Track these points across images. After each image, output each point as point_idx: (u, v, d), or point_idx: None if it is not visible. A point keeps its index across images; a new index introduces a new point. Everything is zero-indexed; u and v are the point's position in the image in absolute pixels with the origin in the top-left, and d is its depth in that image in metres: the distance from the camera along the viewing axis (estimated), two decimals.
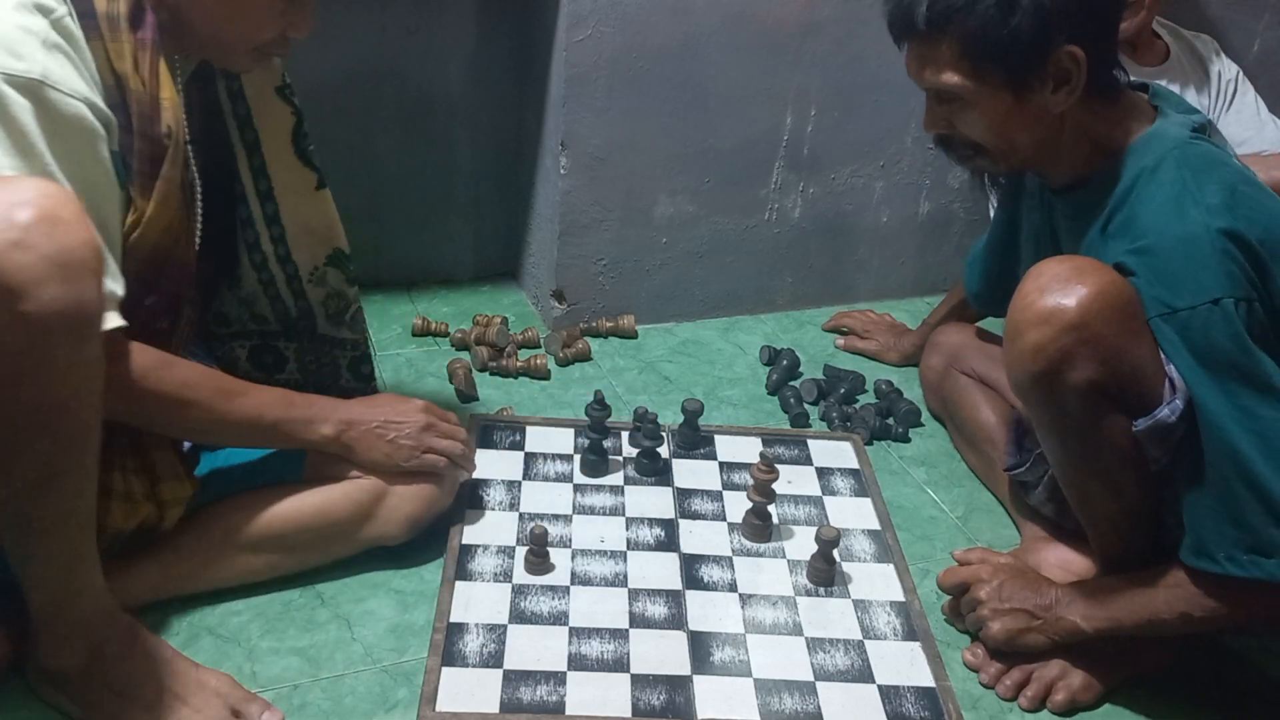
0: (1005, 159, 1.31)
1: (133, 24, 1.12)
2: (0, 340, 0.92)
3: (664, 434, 1.51)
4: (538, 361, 1.90)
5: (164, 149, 1.15)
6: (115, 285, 1.08)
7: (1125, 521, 1.29)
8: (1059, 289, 1.16)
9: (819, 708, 1.26)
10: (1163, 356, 1.17)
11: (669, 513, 1.54)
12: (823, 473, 1.67)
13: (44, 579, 1.09)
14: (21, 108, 1.00)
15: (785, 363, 1.94)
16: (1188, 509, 1.20)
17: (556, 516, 1.52)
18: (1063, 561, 1.44)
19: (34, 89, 1.01)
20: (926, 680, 1.31)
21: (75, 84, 1.04)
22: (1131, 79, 1.33)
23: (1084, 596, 1.30)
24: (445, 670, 1.25)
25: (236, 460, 1.37)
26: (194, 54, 1.24)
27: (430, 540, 1.45)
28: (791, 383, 1.92)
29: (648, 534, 1.50)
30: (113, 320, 1.05)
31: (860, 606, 1.41)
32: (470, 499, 1.53)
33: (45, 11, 1.05)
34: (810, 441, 1.75)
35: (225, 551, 1.32)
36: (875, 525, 1.57)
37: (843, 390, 1.89)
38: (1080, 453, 1.25)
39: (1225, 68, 2.08)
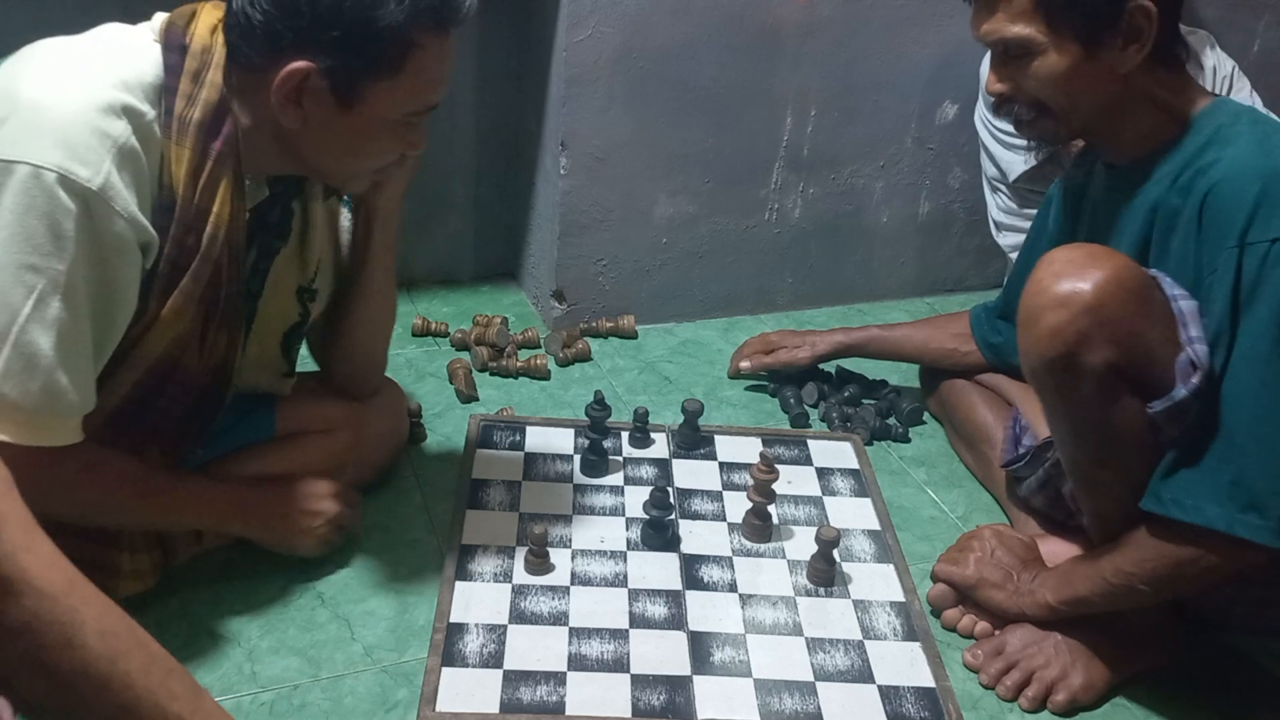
0: (1068, 121, 1.30)
1: (206, 133, 1.10)
2: None
3: (670, 494, 1.48)
4: (538, 361, 1.90)
5: (190, 261, 1.12)
6: (75, 394, 1.06)
7: (1134, 508, 1.26)
8: (1074, 273, 1.16)
9: (819, 708, 1.26)
10: (1184, 333, 1.16)
11: (670, 514, 1.54)
12: (823, 473, 1.67)
13: None
14: (66, 212, 1.01)
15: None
16: (1176, 464, 1.18)
17: (556, 516, 1.52)
18: (1052, 555, 1.43)
19: (88, 198, 1.02)
20: (926, 680, 1.31)
21: (128, 203, 1.05)
22: None
23: (1056, 572, 1.35)
24: (445, 670, 1.25)
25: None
26: (303, 174, 1.24)
27: (430, 540, 1.45)
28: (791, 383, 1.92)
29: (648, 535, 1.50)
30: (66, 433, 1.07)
31: (860, 607, 1.41)
32: (470, 499, 1.53)
33: (134, 116, 1.05)
34: (810, 442, 1.75)
35: None
36: (875, 525, 1.57)
37: (844, 391, 1.89)
38: (1094, 440, 1.24)
39: (1220, 62, 2.08)
